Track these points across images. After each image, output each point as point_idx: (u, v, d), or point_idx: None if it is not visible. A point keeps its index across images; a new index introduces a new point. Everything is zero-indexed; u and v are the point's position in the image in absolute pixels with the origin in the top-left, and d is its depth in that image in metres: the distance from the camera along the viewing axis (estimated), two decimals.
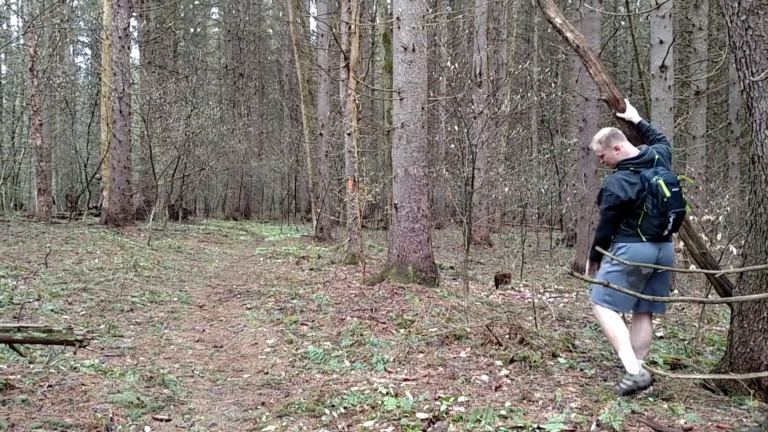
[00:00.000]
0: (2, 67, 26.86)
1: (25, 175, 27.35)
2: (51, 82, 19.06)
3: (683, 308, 7.72)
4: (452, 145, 10.80)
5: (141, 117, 19.46)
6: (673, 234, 4.08)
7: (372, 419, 3.62)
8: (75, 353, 4.63)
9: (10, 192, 22.41)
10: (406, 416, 3.62)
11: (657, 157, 4.06)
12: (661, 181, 3.94)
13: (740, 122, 14.59)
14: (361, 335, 5.73)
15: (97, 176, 19.77)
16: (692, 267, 4.56)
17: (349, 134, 11.51)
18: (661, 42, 9.45)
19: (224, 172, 28.48)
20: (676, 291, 8.61)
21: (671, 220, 3.94)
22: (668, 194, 3.91)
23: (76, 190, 23.58)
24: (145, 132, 18.25)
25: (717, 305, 7.33)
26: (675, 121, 11.71)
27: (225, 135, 23.39)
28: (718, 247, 6.21)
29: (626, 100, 4.55)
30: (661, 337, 5.80)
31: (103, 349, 5.20)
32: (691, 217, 6.03)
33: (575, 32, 4.63)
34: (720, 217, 6.78)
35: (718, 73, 14.60)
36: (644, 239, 4.00)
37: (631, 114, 4.45)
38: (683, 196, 4.03)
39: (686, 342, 5.46)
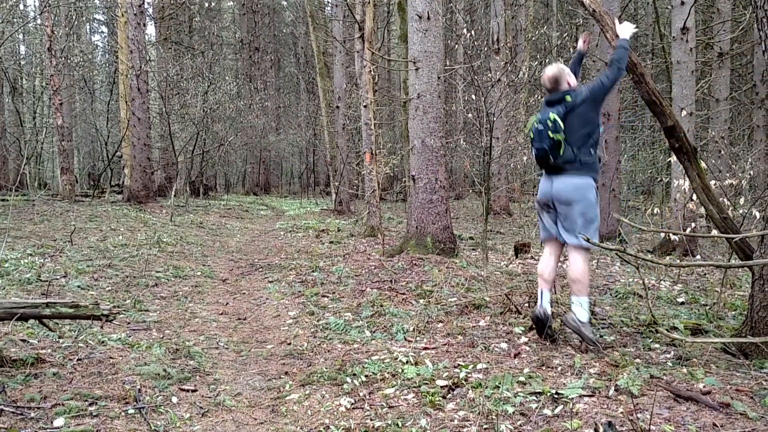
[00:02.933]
0: (21, 48, 27.06)
1: (47, 154, 27.75)
2: (69, 61, 19.18)
3: (705, 273, 7.66)
4: (470, 115, 10.72)
5: (159, 94, 19.55)
6: (571, 167, 4.24)
7: (393, 387, 3.69)
8: (102, 327, 4.77)
9: (34, 171, 22.76)
10: (426, 383, 3.68)
11: (569, 98, 4.24)
12: (532, 118, 4.36)
13: (765, 84, 14.23)
14: (381, 306, 5.79)
15: (118, 154, 19.99)
16: (714, 232, 4.52)
17: (365, 106, 11.47)
18: (683, 3, 9.22)
19: (243, 148, 28.60)
20: (698, 256, 8.54)
21: (533, 155, 4.32)
22: (528, 130, 4.37)
23: (98, 169, 23.90)
24: (164, 109, 18.34)
25: (739, 270, 7.27)
26: (697, 84, 11.48)
27: (242, 110, 23.43)
28: (741, 211, 6.13)
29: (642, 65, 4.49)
30: (682, 303, 5.78)
31: (129, 323, 5.33)
32: (712, 182, 5.95)
33: None
34: (743, 181, 6.68)
35: (742, 34, 14.19)
36: (543, 174, 4.43)
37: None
38: (549, 134, 4.19)
39: (708, 307, 5.43)
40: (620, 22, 4.40)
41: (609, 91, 4.26)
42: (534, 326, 4.48)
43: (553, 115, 4.17)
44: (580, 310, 4.10)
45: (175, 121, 19.79)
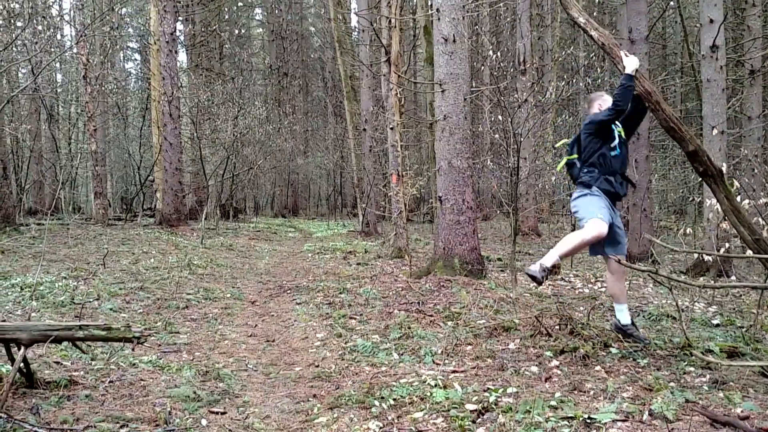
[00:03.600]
0: (58, 76, 27.92)
1: (81, 179, 28.42)
2: (103, 88, 19.73)
3: (740, 295, 7.47)
4: (497, 135, 10.70)
5: (190, 119, 19.96)
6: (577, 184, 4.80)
7: (421, 410, 3.65)
8: (133, 350, 4.83)
9: (69, 196, 23.32)
10: (455, 407, 3.63)
11: (582, 124, 4.86)
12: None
13: None
14: (409, 328, 5.76)
15: (150, 178, 20.39)
16: (749, 252, 4.41)
17: (392, 128, 11.54)
18: (711, 21, 9.14)
19: (272, 171, 28.96)
20: (733, 277, 8.34)
21: None
22: None
23: (130, 193, 24.39)
24: (195, 134, 18.72)
25: None
26: (729, 102, 11.31)
27: (271, 134, 23.77)
28: None
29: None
30: (717, 325, 5.64)
31: (160, 345, 5.39)
32: (745, 201, 5.84)
33: (599, 30, 4.54)
34: None
35: None
36: None
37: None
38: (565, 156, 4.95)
39: (744, 329, 5.29)
40: (627, 55, 4.39)
41: (605, 123, 4.49)
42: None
43: (568, 140, 4.91)
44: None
45: (205, 145, 20.16)
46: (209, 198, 20.84)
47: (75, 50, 19.12)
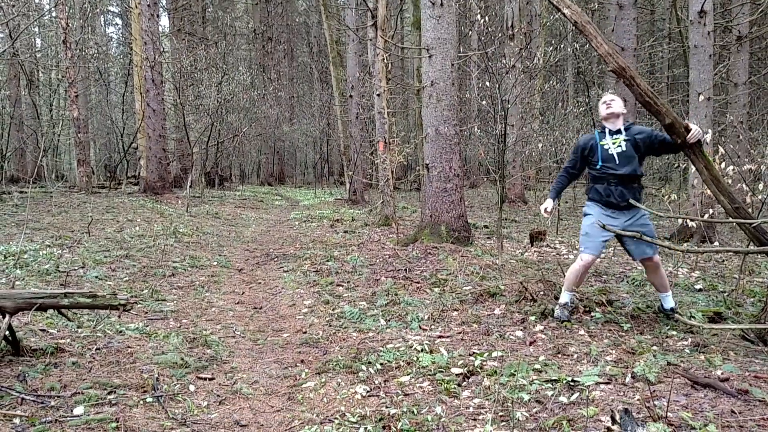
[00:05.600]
0: (37, 41, 27.25)
1: (64, 146, 27.98)
2: (84, 53, 19.28)
3: (723, 260, 7.58)
4: (484, 102, 10.63)
5: (173, 85, 19.61)
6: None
7: (408, 374, 3.70)
8: (120, 317, 4.83)
9: (51, 164, 22.98)
10: (441, 371, 3.68)
11: None
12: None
13: None
14: (396, 295, 5.80)
15: (134, 146, 20.10)
16: (731, 218, 4.46)
17: (378, 95, 11.43)
18: None
19: (257, 138, 28.67)
20: (716, 243, 8.44)
21: None
22: None
23: (114, 160, 24.06)
24: (178, 100, 18.40)
25: (758, 256, 7.19)
26: (715, 69, 11.31)
27: (256, 100, 23.46)
28: (760, 196, 6.04)
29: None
30: (700, 290, 5.73)
31: (146, 313, 5.39)
32: (730, 167, 5.87)
33: (572, 7, 4.45)
34: (762, 166, 6.57)
35: (762, 16, 13.93)
36: None
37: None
38: None
39: (726, 294, 5.38)
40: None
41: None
42: None
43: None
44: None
45: (189, 112, 19.86)
46: (194, 165, 20.63)
47: (54, 14, 18.64)
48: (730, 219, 3.83)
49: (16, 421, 2.93)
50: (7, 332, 3.67)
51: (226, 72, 19.58)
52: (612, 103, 4.63)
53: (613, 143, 4.54)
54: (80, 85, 19.66)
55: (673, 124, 4.14)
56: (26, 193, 12.87)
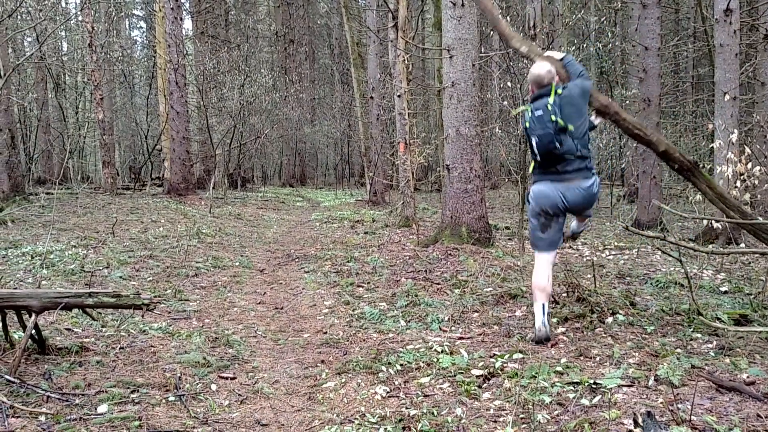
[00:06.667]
0: (63, 45, 27.74)
1: (89, 148, 28.43)
2: (109, 56, 19.60)
3: (749, 262, 7.45)
4: (505, 102, 10.58)
5: (196, 87, 19.84)
6: (579, 165, 3.99)
7: (428, 376, 3.69)
8: (143, 317, 4.89)
9: (77, 165, 23.37)
10: (462, 373, 3.67)
11: (559, 91, 3.90)
12: (528, 107, 3.98)
13: None
14: (416, 296, 5.79)
15: (158, 147, 20.38)
16: (759, 218, 4.38)
17: (399, 96, 11.43)
18: None
19: (279, 140, 28.85)
20: (742, 244, 8.30)
21: (535, 146, 3.89)
22: (527, 118, 3.94)
23: (138, 162, 24.39)
24: (201, 102, 18.60)
25: None
26: (742, 68, 11.11)
27: (278, 102, 23.61)
28: None
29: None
30: (725, 292, 5.63)
31: (170, 312, 5.45)
32: (756, 168, 5.76)
33: (542, 57, 4.30)
34: None
35: None
36: (540, 178, 4.10)
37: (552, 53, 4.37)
38: (551, 118, 3.80)
39: (752, 296, 5.27)
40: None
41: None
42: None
43: (550, 100, 3.86)
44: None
45: (212, 114, 20.07)
46: (217, 167, 20.82)
47: (80, 18, 18.96)
48: (759, 220, 3.75)
49: (42, 418, 2.98)
50: (33, 331, 3.74)
51: (248, 74, 19.74)
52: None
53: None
54: (105, 88, 19.97)
55: (667, 151, 4.09)
56: (52, 194, 13.11)
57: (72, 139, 21.02)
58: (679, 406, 2.81)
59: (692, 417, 2.63)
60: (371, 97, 17.31)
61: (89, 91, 21.61)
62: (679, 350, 3.72)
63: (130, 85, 28.01)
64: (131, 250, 8.09)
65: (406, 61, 11.01)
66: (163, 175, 18.92)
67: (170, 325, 4.94)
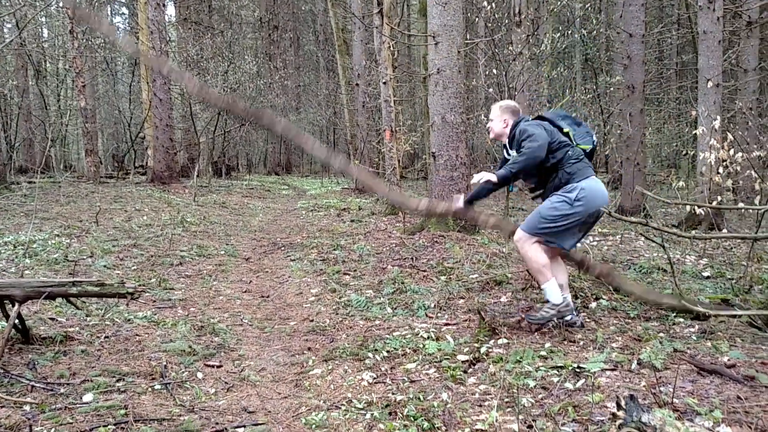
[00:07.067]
0: (44, 31, 27.29)
1: (72, 137, 28.09)
2: (91, 43, 19.29)
3: (732, 247, 7.54)
4: (491, 89, 10.59)
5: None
6: None
7: (414, 362, 3.71)
8: (128, 305, 4.86)
9: (59, 154, 23.09)
10: (447, 358, 3.69)
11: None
12: (557, 110, 4.67)
13: None
14: (402, 283, 5.81)
15: (141, 135, 20.18)
16: (740, 204, 4.43)
17: (385, 83, 11.39)
18: None
19: (264, 128, 28.66)
20: (725, 230, 8.40)
21: (586, 149, 4.16)
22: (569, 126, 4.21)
23: (121, 150, 24.14)
24: (185, 89, 18.41)
25: (767, 243, 7.15)
26: (725, 55, 11.19)
27: (262, 89, 23.43)
28: None
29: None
30: (707, 277, 5.71)
31: (155, 301, 5.42)
32: (738, 154, 5.82)
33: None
34: None
35: None
36: (588, 173, 4.03)
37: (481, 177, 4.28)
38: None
39: (734, 281, 5.35)
40: None
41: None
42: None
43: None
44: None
45: (196, 101, 19.88)
46: (201, 155, 20.68)
47: (60, 3, 18.65)
48: (740, 205, 3.80)
49: (26, 408, 2.97)
50: (16, 320, 3.71)
51: (232, 61, 19.58)
52: (489, 125, 4.39)
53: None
54: (87, 75, 19.70)
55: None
56: (35, 183, 12.95)
57: (54, 127, 20.75)
58: (662, 389, 2.85)
59: (674, 399, 2.67)
60: (357, 84, 17.24)
61: (71, 79, 21.32)
62: (661, 334, 3.77)
63: (113, 72, 27.64)
64: (115, 239, 8.02)
65: (391, 48, 10.97)
66: (147, 163, 18.76)
67: (155, 314, 4.91)
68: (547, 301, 4.01)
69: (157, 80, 16.25)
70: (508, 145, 4.25)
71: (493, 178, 4.09)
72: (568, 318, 4.03)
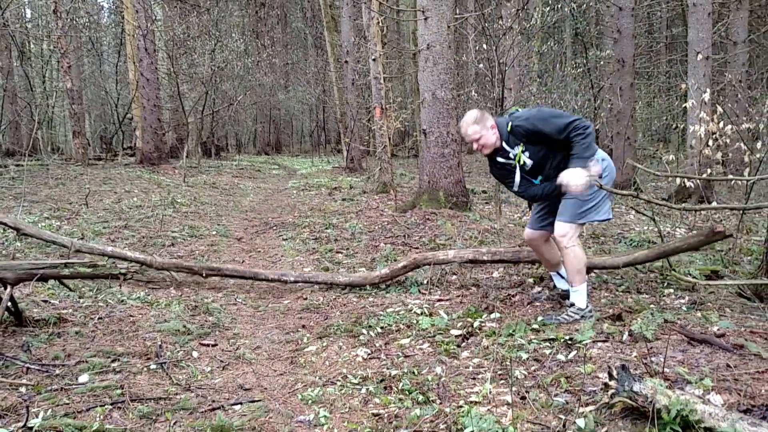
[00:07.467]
0: (27, 11, 26.81)
1: (59, 119, 27.78)
2: (75, 23, 18.98)
3: (721, 220, 7.61)
4: (481, 65, 10.52)
5: (166, 54, 19.39)
6: None
7: (408, 337, 3.74)
8: (120, 287, 4.85)
9: (47, 136, 22.83)
10: (441, 333, 3.73)
11: None
12: None
13: None
14: (395, 260, 5.82)
15: (129, 116, 19.97)
16: (730, 176, 4.46)
17: (374, 60, 11.30)
18: None
19: (252, 107, 28.45)
20: (714, 203, 8.46)
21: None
22: None
23: (109, 131, 23.91)
24: (172, 69, 18.20)
25: (756, 215, 7.22)
26: (714, 27, 11.17)
27: (250, 68, 23.19)
28: (758, 155, 6.03)
29: None
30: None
31: (147, 282, 5.41)
32: (728, 126, 5.85)
33: None
34: (761, 125, 6.54)
35: None
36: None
37: None
38: None
39: (723, 253, 5.41)
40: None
41: None
42: None
43: None
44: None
45: (183, 81, 19.69)
46: (189, 135, 20.51)
47: None
48: (729, 176, 3.82)
49: (22, 389, 2.97)
50: (9, 303, 3.70)
51: (219, 39, 19.34)
52: (479, 141, 3.79)
53: (518, 163, 3.82)
54: (72, 56, 19.43)
55: None
56: (22, 166, 12.82)
57: (40, 109, 20.47)
58: (653, 359, 2.89)
59: (665, 369, 2.71)
60: (346, 62, 17.08)
61: (56, 59, 21.00)
62: (652, 306, 3.81)
63: (98, 52, 27.26)
64: (106, 221, 7.98)
65: (380, 24, 10.86)
66: (135, 144, 18.60)
67: (149, 295, 4.91)
68: (573, 305, 3.73)
69: (143, 60, 16.05)
70: (506, 146, 3.81)
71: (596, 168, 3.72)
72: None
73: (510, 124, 3.76)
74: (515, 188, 3.90)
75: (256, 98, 27.22)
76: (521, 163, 3.78)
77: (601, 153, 3.82)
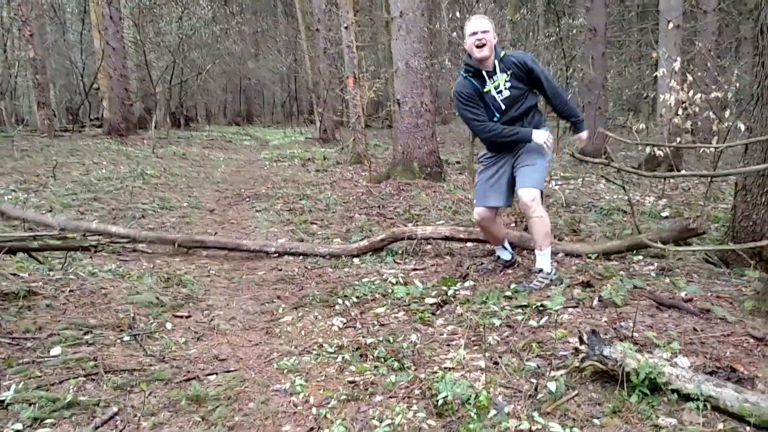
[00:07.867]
0: None
1: (22, 89, 26.90)
2: None
3: (689, 188, 7.76)
4: (454, 34, 10.45)
5: (132, 21, 18.85)
6: None
7: (383, 306, 3.77)
8: (91, 258, 4.78)
9: (10, 107, 22.15)
10: (416, 302, 3.76)
11: None
12: None
13: None
14: (370, 231, 5.84)
15: (95, 86, 19.46)
16: (698, 143, 4.54)
17: (346, 28, 11.13)
18: None
19: (222, 76, 27.92)
20: (683, 170, 8.61)
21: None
22: None
23: (75, 102, 23.28)
24: (138, 37, 17.72)
25: (723, 183, 7.38)
26: None
27: (219, 36, 22.71)
28: (726, 124, 6.14)
29: None
30: (666, 217, 5.88)
31: (119, 254, 5.34)
32: (698, 95, 5.92)
33: None
34: (729, 94, 6.65)
35: None
36: None
37: None
38: None
39: (691, 220, 5.52)
40: None
41: None
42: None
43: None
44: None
45: (150, 49, 19.16)
46: (158, 105, 20.08)
47: None
48: (698, 144, 3.88)
49: None
50: None
51: (186, 6, 18.85)
52: (485, 37, 3.70)
53: (495, 88, 3.81)
54: (34, 24, 18.73)
55: None
56: None
57: (2, 79, 19.83)
58: (622, 324, 2.96)
59: (634, 333, 2.78)
60: (317, 30, 16.81)
61: (17, 28, 20.26)
62: (621, 272, 3.89)
63: (61, 20, 26.35)
64: (74, 193, 7.82)
65: None
66: (102, 115, 18.18)
67: (120, 267, 4.84)
68: (541, 270, 3.79)
69: (108, 28, 15.57)
70: (496, 67, 3.77)
71: (584, 135, 4.14)
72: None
73: (502, 53, 3.85)
74: (479, 118, 3.88)
75: (225, 67, 26.71)
76: (499, 90, 3.81)
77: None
